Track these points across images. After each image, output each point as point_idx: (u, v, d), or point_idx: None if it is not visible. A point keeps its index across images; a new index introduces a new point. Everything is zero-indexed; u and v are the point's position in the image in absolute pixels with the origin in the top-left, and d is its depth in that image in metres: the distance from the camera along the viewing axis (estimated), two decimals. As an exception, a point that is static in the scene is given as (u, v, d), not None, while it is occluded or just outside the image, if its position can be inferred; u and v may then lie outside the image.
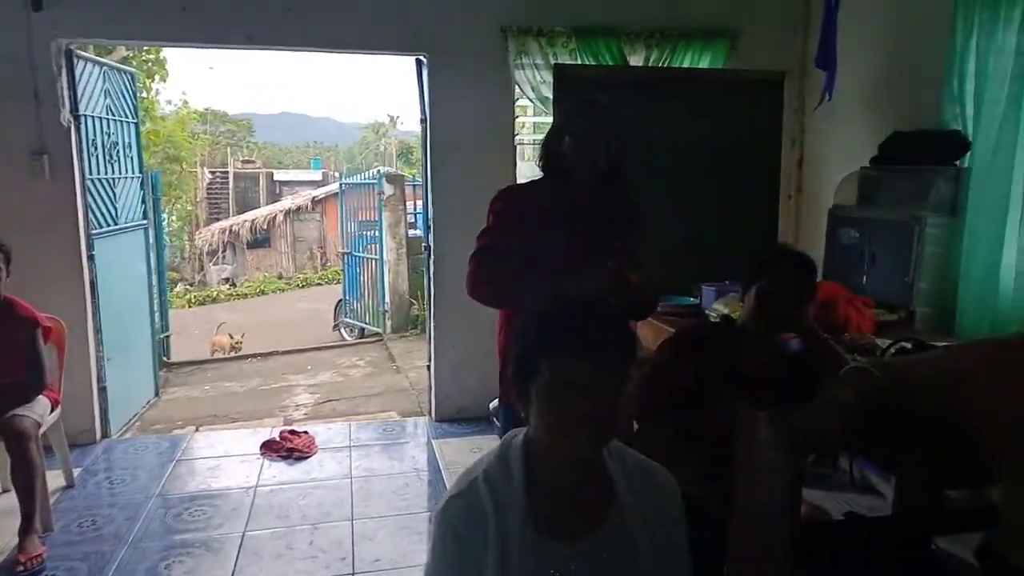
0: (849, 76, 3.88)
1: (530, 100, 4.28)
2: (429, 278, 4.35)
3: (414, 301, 8.61)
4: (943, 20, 3.24)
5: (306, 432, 4.16)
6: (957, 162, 3.16)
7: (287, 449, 3.93)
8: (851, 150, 3.80)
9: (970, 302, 3.04)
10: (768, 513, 1.39)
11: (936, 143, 3.20)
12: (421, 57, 4.15)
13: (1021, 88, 2.88)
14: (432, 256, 4.28)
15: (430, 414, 4.53)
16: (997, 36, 2.98)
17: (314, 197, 18.52)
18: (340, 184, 10.81)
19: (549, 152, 2.02)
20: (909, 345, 2.03)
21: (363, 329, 8.97)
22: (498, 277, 1.96)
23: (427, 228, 4.36)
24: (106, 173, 4.39)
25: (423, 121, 4.24)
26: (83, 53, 4.07)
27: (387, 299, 8.66)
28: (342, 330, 9.54)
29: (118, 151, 4.61)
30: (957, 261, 3.10)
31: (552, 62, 4.05)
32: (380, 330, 8.51)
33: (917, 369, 1.51)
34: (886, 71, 3.78)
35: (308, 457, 3.90)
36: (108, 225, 4.37)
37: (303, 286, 16.02)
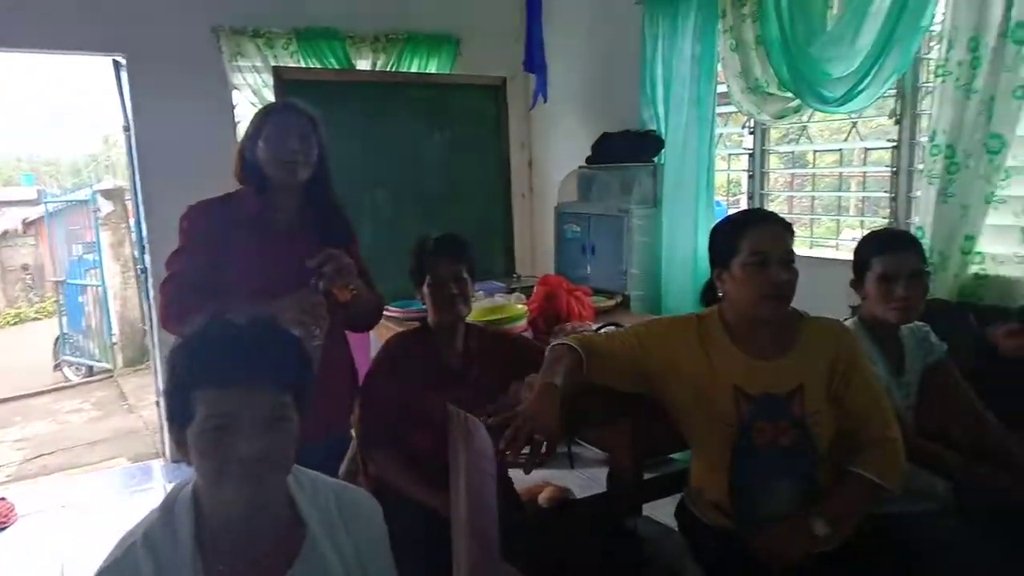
0: (563, 81, 4.15)
1: (253, 105, 4.00)
2: (148, 304, 3.90)
3: (148, 329, 7.74)
4: (636, 28, 3.58)
5: (3, 499, 3.50)
6: (655, 159, 3.50)
7: (-28, 523, 3.29)
8: (570, 151, 4.07)
9: (673, 284, 3.41)
10: (481, 514, 1.39)
11: (637, 142, 3.53)
12: (118, 58, 3.70)
13: (697, 90, 3.27)
14: (149, 278, 3.83)
15: (165, 455, 4.07)
16: (678, 43, 3.35)
17: (25, 219, 15.94)
18: (44, 203, 9.37)
19: (243, 160, 1.86)
20: (612, 328, 2.18)
21: (91, 367, 7.89)
22: (191, 307, 1.62)
23: (141, 248, 3.90)
24: None
25: (126, 129, 3.78)
26: None
27: (115, 330, 7.69)
28: (65, 370, 8.30)
29: None
30: (660, 247, 3.46)
31: (273, 64, 3.83)
32: (110, 365, 7.54)
33: (608, 346, 1.62)
34: (593, 76, 4.10)
35: (2, 530, 3.29)
36: None
37: (17, 322, 13.73)
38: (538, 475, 1.94)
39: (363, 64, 4.17)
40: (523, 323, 2.66)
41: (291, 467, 1.04)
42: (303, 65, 3.94)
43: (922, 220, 2.47)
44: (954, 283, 2.44)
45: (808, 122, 3.15)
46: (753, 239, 1.52)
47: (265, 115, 1.86)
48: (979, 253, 2.43)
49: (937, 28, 2.47)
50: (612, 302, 3.19)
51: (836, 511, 1.50)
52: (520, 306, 2.77)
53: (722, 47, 3.15)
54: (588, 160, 3.79)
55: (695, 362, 1.56)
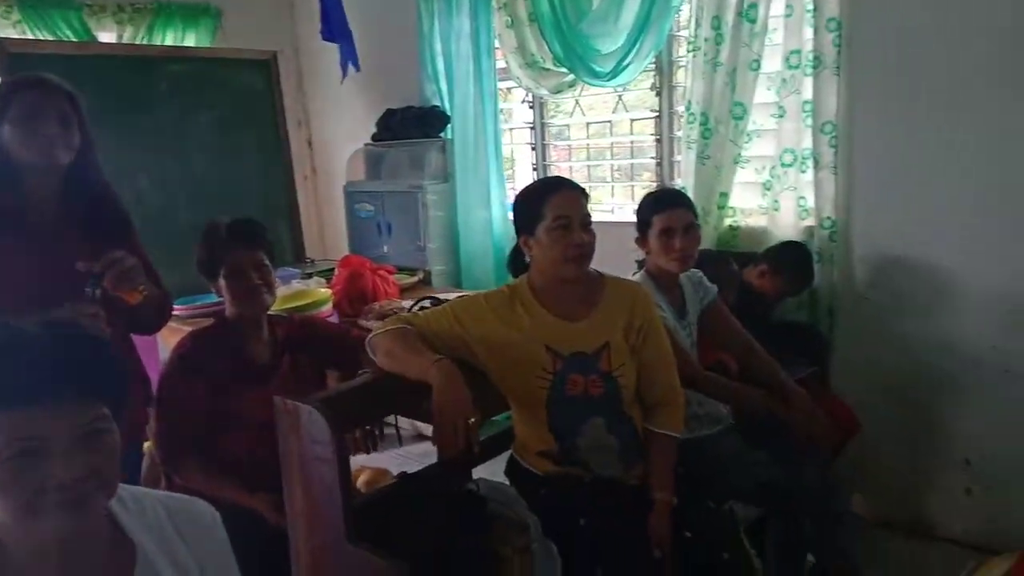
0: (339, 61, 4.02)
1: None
2: None
3: None
4: (412, 4, 3.56)
5: None
6: (442, 134, 3.55)
7: None
8: (354, 128, 3.97)
9: (471, 256, 3.50)
10: (322, 502, 1.35)
11: (422, 118, 3.54)
12: None
13: (478, 67, 3.35)
14: None
15: None
16: (454, 20, 3.40)
17: None
18: None
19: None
20: (428, 303, 2.20)
21: None
22: None
23: None
24: None
25: None
26: None
27: None
28: None
29: None
30: (456, 221, 3.53)
31: (-8, 37, 3.27)
32: None
33: (430, 325, 1.64)
34: (371, 52, 4.01)
35: None
36: None
37: None
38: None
39: (107, 36, 3.71)
40: (328, 307, 2.58)
41: (117, 486, 0.93)
42: (31, 36, 3.41)
43: (685, 181, 2.78)
44: (714, 234, 2.78)
45: (581, 95, 3.37)
46: (555, 205, 1.61)
47: (11, 92, 1.60)
48: (732, 207, 2.79)
49: (686, 8, 2.76)
50: (414, 279, 3.21)
51: (660, 470, 1.68)
52: (323, 290, 2.68)
53: (498, 24, 3.25)
54: (374, 137, 3.73)
55: (510, 330, 1.63)
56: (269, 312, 1.93)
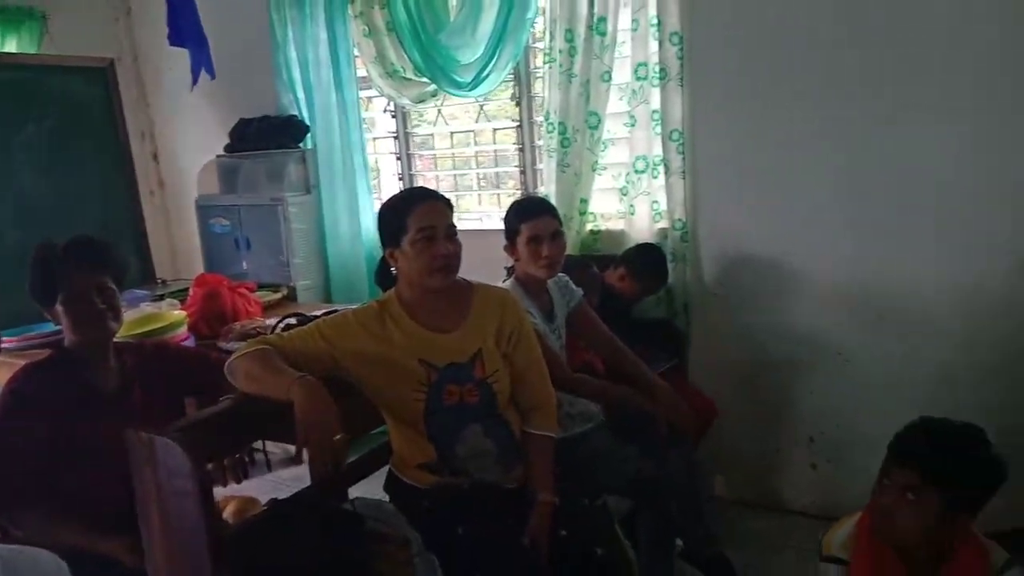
0: (189, 65, 3.80)
1: None
2: None
3: None
4: (263, 11, 3.43)
5: None
6: (302, 145, 3.44)
7: None
8: (205, 140, 3.77)
9: (340, 269, 3.41)
10: (184, 538, 1.27)
11: (279, 128, 3.41)
12: None
13: (337, 75, 3.28)
14: None
15: None
16: (308, 28, 3.31)
17: None
18: None
19: None
20: (294, 320, 2.12)
21: None
22: None
23: None
24: None
25: None
26: None
27: None
28: None
29: None
30: (323, 234, 3.43)
31: None
32: None
33: (294, 345, 1.59)
34: (221, 60, 3.82)
35: None
36: None
37: None
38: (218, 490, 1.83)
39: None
40: (183, 331, 2.43)
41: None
42: None
43: (547, 189, 2.86)
44: (577, 239, 2.88)
45: (444, 104, 3.38)
46: (419, 216, 1.60)
47: None
48: (592, 213, 2.90)
49: (541, 21, 2.84)
50: (278, 295, 3.08)
51: (539, 471, 1.71)
52: (176, 312, 2.52)
53: (355, 32, 3.20)
54: (227, 148, 3.55)
55: (382, 345, 1.61)
56: (116, 339, 1.79)
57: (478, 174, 3.50)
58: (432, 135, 3.52)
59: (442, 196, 1.69)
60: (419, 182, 3.52)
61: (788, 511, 2.71)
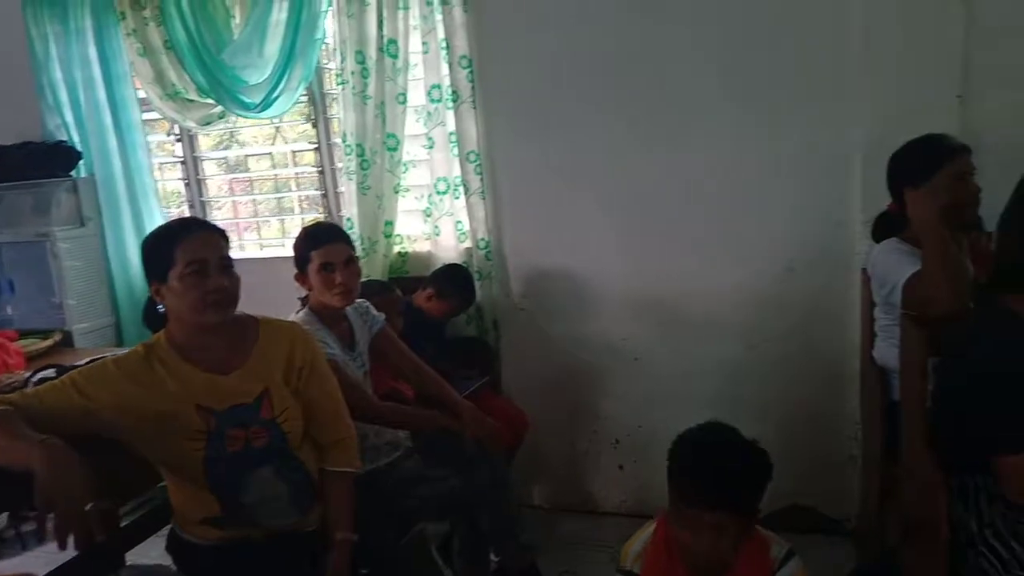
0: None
1: None
2: None
3: None
4: (20, 28, 3.07)
5: None
6: (73, 172, 3.11)
7: None
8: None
9: (132, 309, 3.11)
10: None
11: (46, 155, 3.07)
12: None
13: (111, 96, 3.01)
14: None
15: None
16: (74, 46, 3.01)
17: None
18: None
19: None
20: (52, 372, 1.90)
21: None
22: None
23: None
24: None
25: None
26: None
27: None
28: None
29: None
30: (108, 270, 3.12)
31: None
32: None
33: (40, 403, 1.41)
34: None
35: None
36: None
37: None
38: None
39: None
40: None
41: None
42: None
43: (350, 212, 2.79)
44: (385, 263, 2.84)
45: (235, 127, 3.21)
46: (187, 249, 1.49)
47: None
48: (399, 235, 2.88)
49: (332, 41, 2.78)
50: (48, 342, 2.74)
51: (339, 509, 1.64)
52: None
53: (130, 51, 2.96)
54: (-17, 180, 3.14)
55: (151, 393, 1.48)
56: None
57: (280, 198, 3.35)
58: (226, 158, 3.33)
59: (214, 226, 1.58)
60: (216, 210, 3.31)
61: (601, 512, 2.83)
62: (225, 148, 3.49)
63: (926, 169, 1.84)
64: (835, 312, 2.42)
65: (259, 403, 1.56)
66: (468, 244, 2.77)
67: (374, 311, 2.12)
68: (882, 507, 2.09)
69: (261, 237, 3.43)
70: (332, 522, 1.63)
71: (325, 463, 1.68)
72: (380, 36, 2.62)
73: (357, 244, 2.73)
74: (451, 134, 2.66)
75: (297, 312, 1.98)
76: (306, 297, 2.01)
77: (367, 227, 2.74)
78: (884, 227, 1.97)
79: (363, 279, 2.53)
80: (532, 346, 2.79)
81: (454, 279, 2.61)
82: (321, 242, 1.94)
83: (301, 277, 1.96)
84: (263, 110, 2.80)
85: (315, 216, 3.11)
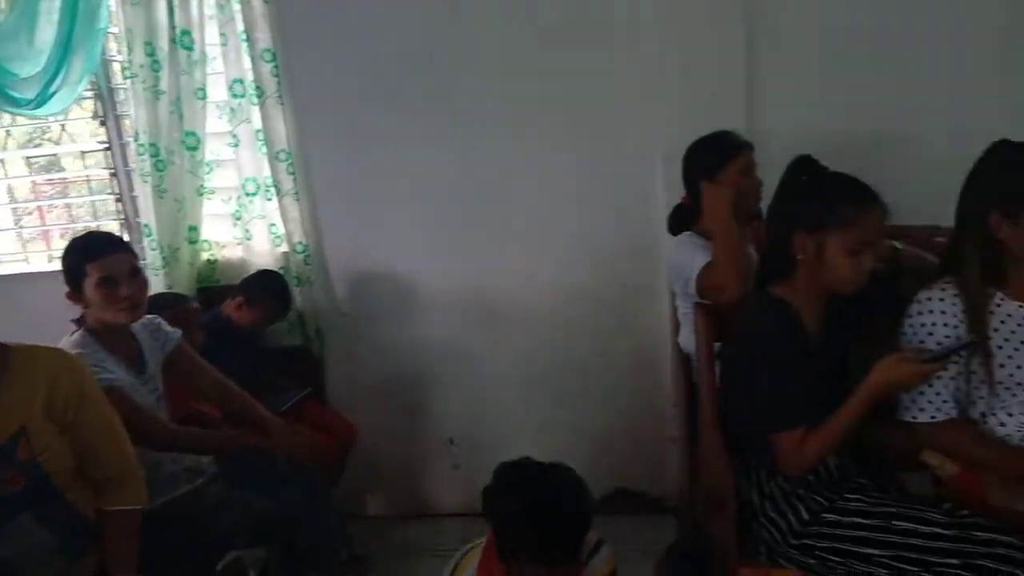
0: None
1: None
2: None
3: None
4: None
5: None
6: None
7: None
8: None
9: None
10: None
11: None
12: None
13: None
14: None
15: None
16: None
17: None
18: None
19: None
20: None
21: None
22: None
23: None
24: None
25: None
26: None
27: None
28: None
29: None
30: None
31: None
32: None
33: None
34: None
35: None
36: None
37: None
38: None
39: None
40: None
41: None
42: None
43: (147, 217, 2.56)
44: (191, 271, 2.63)
45: (12, 126, 2.85)
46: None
47: None
48: (205, 241, 2.68)
49: (118, 31, 2.52)
50: None
51: (119, 550, 1.49)
52: None
53: None
54: None
55: None
56: None
57: (70, 204, 3.02)
58: (2, 160, 2.94)
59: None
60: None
61: (438, 515, 2.80)
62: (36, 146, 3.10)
63: (716, 164, 1.95)
64: (647, 302, 2.52)
65: (14, 443, 1.38)
66: (284, 248, 2.62)
67: (167, 327, 1.95)
68: (692, 485, 2.20)
69: (51, 248, 3.08)
70: (111, 565, 1.47)
71: (103, 502, 1.52)
72: (172, 26, 2.41)
73: (156, 253, 2.53)
74: (258, 132, 2.49)
75: (71, 335, 1.77)
76: (81, 317, 1.81)
77: (167, 233, 2.52)
78: (679, 220, 2.06)
79: (161, 291, 2.37)
80: (359, 352, 2.70)
81: (265, 285, 2.46)
82: (98, 254, 1.74)
83: (74, 295, 1.75)
84: (38, 107, 2.49)
85: (109, 223, 2.82)
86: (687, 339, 2.08)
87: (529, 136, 2.46)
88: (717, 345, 1.69)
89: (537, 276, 2.56)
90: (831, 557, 1.45)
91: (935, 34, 2.21)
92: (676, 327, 2.21)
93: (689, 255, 1.92)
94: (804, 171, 1.53)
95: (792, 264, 1.51)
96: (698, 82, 2.25)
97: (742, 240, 1.89)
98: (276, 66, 2.43)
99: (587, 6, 2.34)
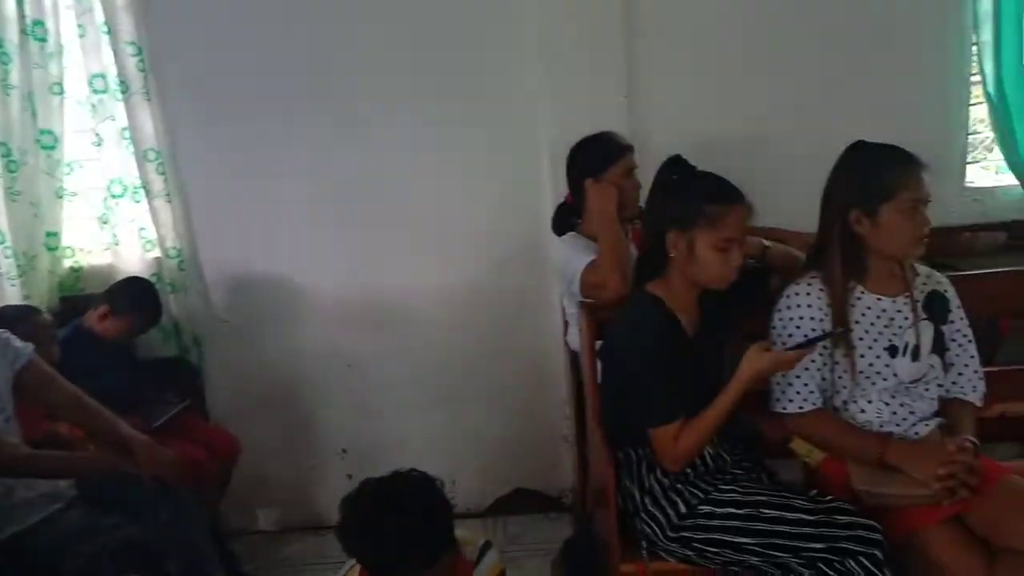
0: None
1: None
2: None
3: None
4: None
5: None
6: None
7: None
8: None
9: None
10: None
11: None
12: None
13: None
14: None
15: None
16: None
17: None
18: None
19: None
20: None
21: None
22: None
23: None
24: None
25: None
26: None
27: None
28: None
29: None
30: None
31: None
32: None
33: None
34: None
35: None
36: None
37: None
38: None
39: None
40: None
41: None
42: None
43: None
44: (51, 280, 2.44)
45: None
46: None
47: None
48: (69, 248, 2.49)
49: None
50: None
51: None
52: None
53: None
54: None
55: None
56: None
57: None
58: None
59: None
60: None
61: (331, 527, 2.69)
62: None
63: (600, 164, 1.96)
64: (539, 302, 2.52)
65: None
66: (156, 253, 2.47)
67: (16, 342, 1.79)
68: (583, 482, 2.22)
69: None
70: None
71: None
72: (21, 16, 2.22)
73: (11, 261, 2.32)
74: (123, 130, 2.34)
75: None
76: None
77: (22, 240, 2.32)
78: (563, 219, 2.07)
79: (16, 302, 2.18)
80: (242, 361, 2.57)
81: (130, 293, 2.29)
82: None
83: None
84: None
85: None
86: (574, 338, 2.08)
87: (414, 136, 2.42)
88: (599, 343, 1.70)
89: (428, 279, 2.52)
90: (708, 548, 1.48)
91: (801, 38, 2.33)
92: (565, 327, 2.22)
93: (573, 255, 1.93)
94: (675, 171, 1.56)
95: (666, 262, 1.54)
96: (580, 82, 2.27)
97: (626, 240, 1.91)
98: (142, 60, 2.28)
99: (471, 5, 2.32)
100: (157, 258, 2.47)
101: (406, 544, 1.28)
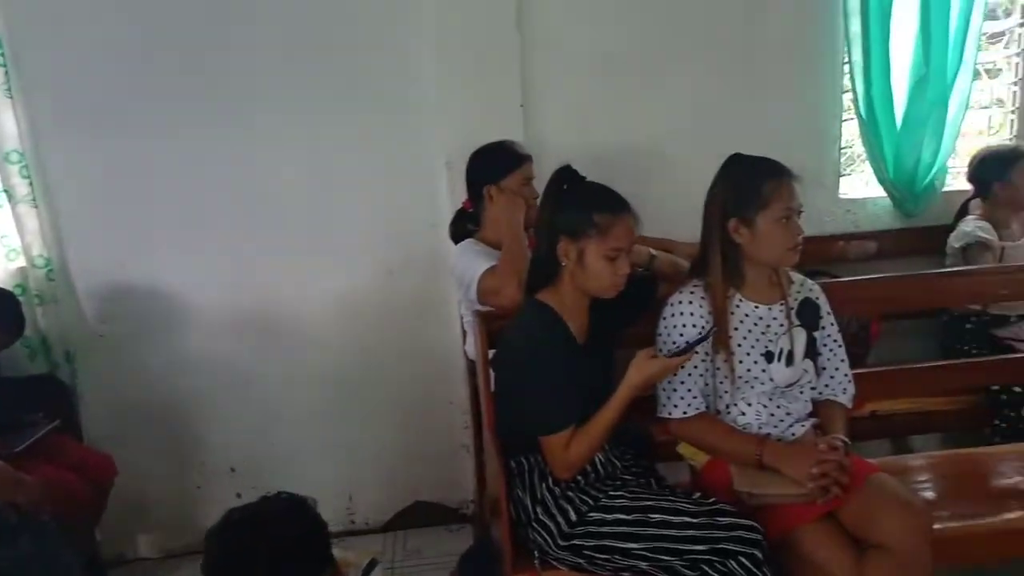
0: None
1: None
2: None
3: None
4: None
5: None
6: None
7: None
8: None
9: None
10: None
11: None
12: None
13: None
14: None
15: None
16: None
17: None
18: None
19: None
20: None
21: None
22: None
23: None
24: None
25: None
26: None
27: None
28: None
29: None
30: None
31: None
32: None
33: None
34: None
35: None
36: None
37: None
38: None
39: None
40: None
41: None
42: None
43: None
44: None
45: None
46: None
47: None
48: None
49: None
50: None
51: None
52: None
53: None
54: None
55: None
56: None
57: None
58: None
59: None
60: None
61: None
62: None
63: (501, 171, 1.96)
64: (437, 311, 2.48)
65: None
66: (21, 263, 2.28)
67: None
68: (481, 492, 2.20)
69: None
70: None
71: None
72: None
73: None
74: (-17, 129, 2.15)
75: None
76: None
77: None
78: (460, 226, 2.05)
79: None
80: (119, 377, 2.41)
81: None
82: None
83: None
84: None
85: None
86: (472, 346, 2.07)
87: (311, 142, 2.34)
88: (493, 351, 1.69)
89: (322, 288, 2.44)
90: (598, 555, 1.49)
91: (688, 55, 2.41)
92: (464, 335, 2.20)
93: (471, 261, 1.91)
94: (565, 181, 1.57)
95: (557, 270, 1.55)
96: (477, 90, 2.26)
97: (525, 247, 1.92)
98: (2, 54, 2.11)
99: (368, 8, 2.27)
100: (22, 268, 2.28)
101: (279, 573, 1.21)
